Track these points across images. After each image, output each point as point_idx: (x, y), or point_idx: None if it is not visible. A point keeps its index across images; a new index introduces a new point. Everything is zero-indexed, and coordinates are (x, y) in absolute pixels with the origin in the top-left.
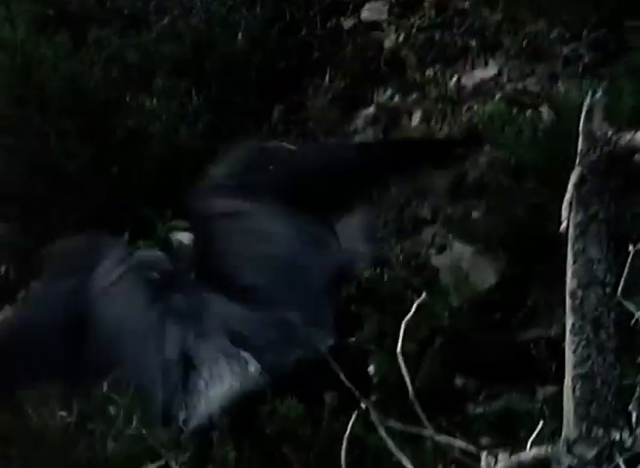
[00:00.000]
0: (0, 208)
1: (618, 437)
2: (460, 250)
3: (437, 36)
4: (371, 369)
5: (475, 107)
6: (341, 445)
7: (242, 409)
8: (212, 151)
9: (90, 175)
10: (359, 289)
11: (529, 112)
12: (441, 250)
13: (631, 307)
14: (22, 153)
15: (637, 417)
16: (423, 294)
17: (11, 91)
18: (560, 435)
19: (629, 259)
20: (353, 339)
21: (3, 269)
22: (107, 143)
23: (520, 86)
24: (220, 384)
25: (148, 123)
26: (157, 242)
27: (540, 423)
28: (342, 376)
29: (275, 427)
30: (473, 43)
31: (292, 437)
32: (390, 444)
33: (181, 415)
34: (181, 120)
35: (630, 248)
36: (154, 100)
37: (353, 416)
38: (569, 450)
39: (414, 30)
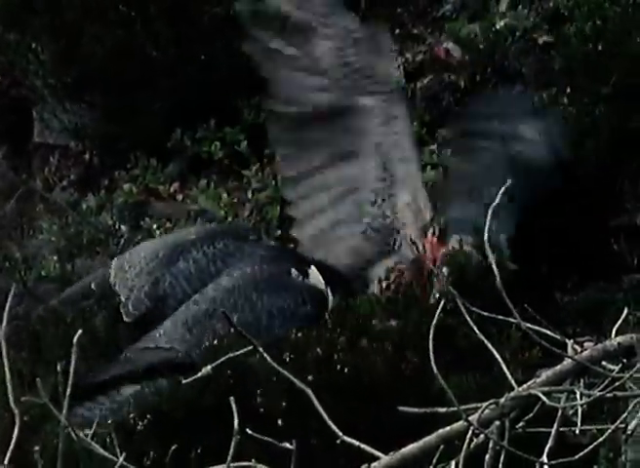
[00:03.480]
0: (85, 95)
1: None
2: None
3: None
4: (444, 270)
5: None
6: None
7: None
8: None
9: (176, 61)
10: None
11: None
12: None
13: None
14: (108, 40)
15: None
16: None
17: None
18: None
19: None
20: None
21: (87, 157)
22: (194, 30)
23: None
24: None
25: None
26: (243, 129)
27: (625, 311)
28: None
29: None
30: None
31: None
32: (477, 331)
33: None
34: None
35: None
36: None
37: (440, 306)
38: None
39: None
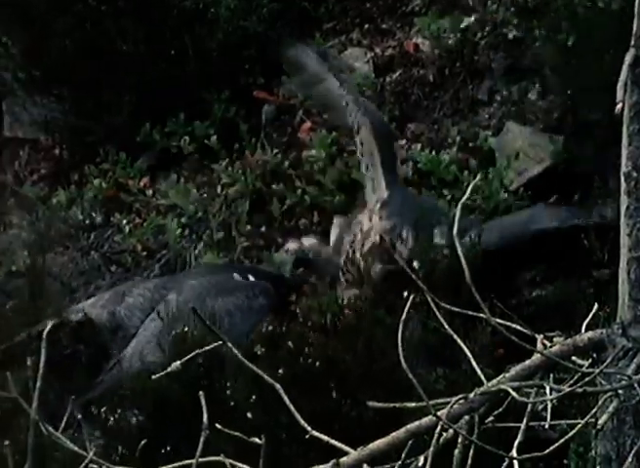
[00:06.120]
0: (55, 89)
1: None
2: (516, 131)
3: None
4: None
5: None
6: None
7: None
8: (274, 36)
9: (146, 56)
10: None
11: None
12: (497, 131)
13: None
14: (78, 34)
15: None
16: (479, 176)
17: None
18: (615, 319)
19: None
20: None
21: (57, 151)
22: (164, 25)
23: None
24: None
25: (209, 6)
26: (212, 123)
27: (595, 306)
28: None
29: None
30: None
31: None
32: (447, 326)
33: None
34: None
35: None
36: None
37: (409, 300)
38: (623, 333)
39: None
